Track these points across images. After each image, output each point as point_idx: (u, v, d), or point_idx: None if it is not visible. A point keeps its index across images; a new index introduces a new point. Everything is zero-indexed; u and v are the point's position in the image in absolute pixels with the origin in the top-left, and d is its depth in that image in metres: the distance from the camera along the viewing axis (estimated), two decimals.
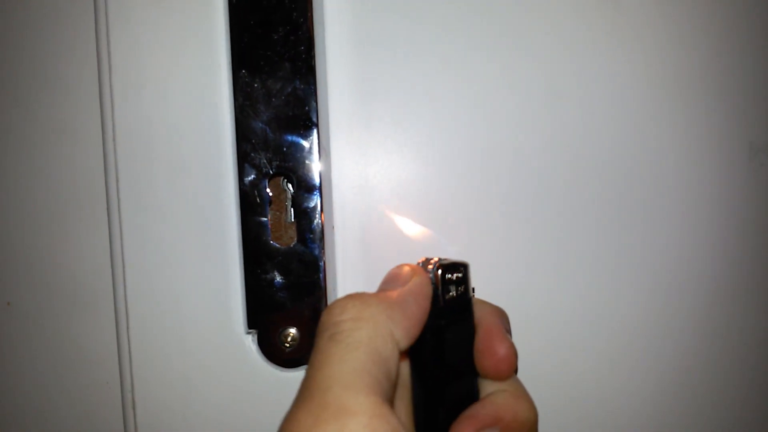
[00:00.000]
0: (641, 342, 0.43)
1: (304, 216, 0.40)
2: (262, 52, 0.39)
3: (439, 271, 0.28)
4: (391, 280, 0.28)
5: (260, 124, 0.39)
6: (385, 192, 0.41)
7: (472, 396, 0.29)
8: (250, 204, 0.40)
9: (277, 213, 0.42)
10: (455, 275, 0.28)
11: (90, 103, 0.41)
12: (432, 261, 0.28)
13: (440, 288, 0.28)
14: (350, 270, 0.42)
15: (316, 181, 0.40)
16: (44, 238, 0.42)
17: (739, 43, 0.42)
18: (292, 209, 0.41)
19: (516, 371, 0.29)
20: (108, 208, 0.41)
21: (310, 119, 0.39)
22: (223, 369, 0.41)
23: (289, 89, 0.39)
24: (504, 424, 0.27)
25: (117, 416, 0.43)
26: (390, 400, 0.23)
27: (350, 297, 0.25)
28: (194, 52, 0.40)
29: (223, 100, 0.40)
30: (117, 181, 0.40)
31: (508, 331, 0.30)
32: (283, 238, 0.41)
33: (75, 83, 0.41)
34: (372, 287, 0.41)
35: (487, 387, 0.29)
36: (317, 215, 0.40)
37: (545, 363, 0.43)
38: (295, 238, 0.40)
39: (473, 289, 0.29)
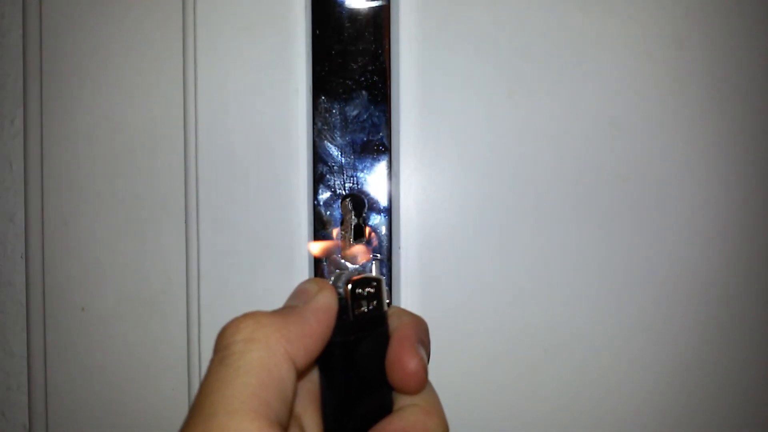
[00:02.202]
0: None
1: (376, 236, 0.42)
2: (341, 80, 0.42)
3: (349, 286, 0.27)
4: (296, 297, 0.27)
5: (336, 148, 0.42)
6: (449, 215, 0.43)
7: (385, 409, 0.28)
8: (323, 223, 0.42)
9: (343, 233, 0.44)
10: (367, 290, 0.28)
11: (175, 119, 0.44)
12: (343, 275, 0.28)
13: (350, 303, 0.27)
14: (410, 289, 0.43)
15: (386, 203, 0.42)
16: (121, 245, 0.44)
17: None
18: (353, 230, 0.43)
19: (426, 385, 0.28)
20: (186, 220, 0.43)
21: (383, 144, 0.42)
22: None
23: (365, 116, 0.42)
24: None
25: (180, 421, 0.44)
26: (283, 423, 0.23)
27: (244, 316, 0.24)
28: (277, 77, 0.42)
29: (302, 123, 0.42)
30: (197, 194, 0.43)
31: (424, 344, 0.29)
32: (348, 257, 0.43)
33: (162, 100, 0.44)
34: (430, 306, 0.43)
35: (400, 400, 0.28)
36: (387, 236, 0.42)
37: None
38: (367, 258, 0.42)
39: (388, 303, 0.29)
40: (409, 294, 0.43)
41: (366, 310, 0.28)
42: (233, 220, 0.43)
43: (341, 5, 0.41)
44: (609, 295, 0.44)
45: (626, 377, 0.44)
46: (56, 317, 0.45)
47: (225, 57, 0.43)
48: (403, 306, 0.43)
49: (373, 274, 0.29)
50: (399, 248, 0.43)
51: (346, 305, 0.27)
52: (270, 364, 0.23)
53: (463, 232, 0.43)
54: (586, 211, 0.43)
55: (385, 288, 0.28)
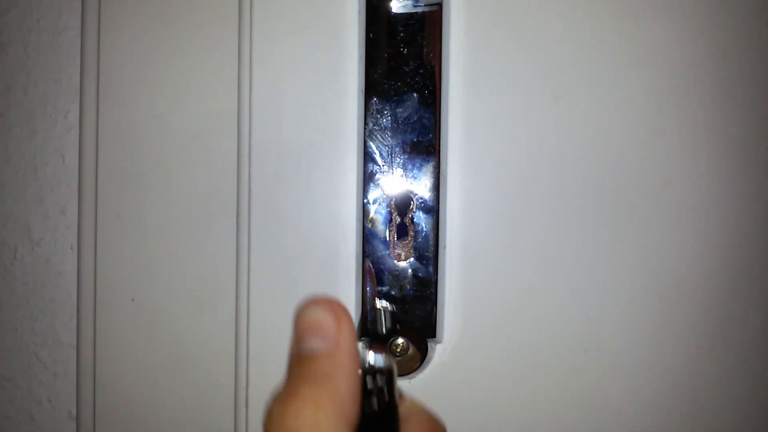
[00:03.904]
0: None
1: (422, 235, 0.43)
2: (392, 82, 0.43)
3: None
4: (312, 334, 0.24)
5: (386, 148, 0.43)
6: (493, 216, 0.44)
7: None
8: (373, 221, 0.43)
9: (391, 231, 0.45)
10: (376, 383, 0.24)
11: (229, 117, 0.45)
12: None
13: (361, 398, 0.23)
14: (453, 287, 0.44)
15: (433, 203, 0.43)
16: (172, 239, 0.46)
17: None
18: (397, 228, 0.44)
19: None
20: (237, 216, 0.44)
21: (432, 145, 0.43)
22: None
23: (415, 117, 0.43)
24: None
25: (226, 412, 0.45)
26: None
27: (300, 399, 0.22)
28: (330, 78, 0.44)
29: (353, 123, 0.44)
30: (249, 190, 0.44)
31: None
32: (393, 254, 0.44)
33: (217, 98, 0.45)
34: (471, 305, 0.44)
35: None
36: (433, 235, 0.43)
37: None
38: (413, 256, 0.43)
39: (400, 395, 0.25)
40: (452, 292, 0.44)
41: (377, 408, 0.24)
42: (283, 216, 0.44)
43: (394, 9, 0.43)
44: (653, 298, 0.44)
45: (669, 381, 0.45)
46: (106, 307, 0.46)
47: (280, 58, 0.44)
48: (445, 306, 0.44)
49: (383, 360, 0.25)
50: (444, 247, 0.44)
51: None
52: None
53: (506, 233, 0.44)
54: (628, 214, 0.44)
55: (396, 379, 0.25)
